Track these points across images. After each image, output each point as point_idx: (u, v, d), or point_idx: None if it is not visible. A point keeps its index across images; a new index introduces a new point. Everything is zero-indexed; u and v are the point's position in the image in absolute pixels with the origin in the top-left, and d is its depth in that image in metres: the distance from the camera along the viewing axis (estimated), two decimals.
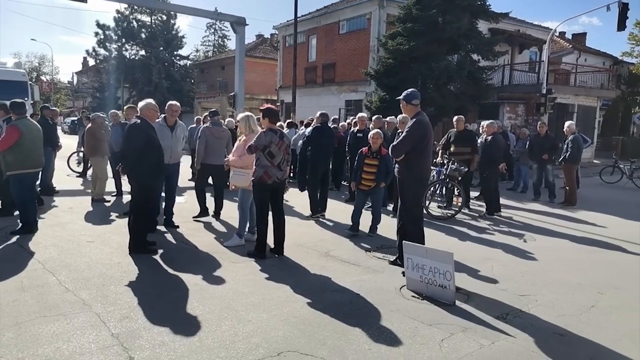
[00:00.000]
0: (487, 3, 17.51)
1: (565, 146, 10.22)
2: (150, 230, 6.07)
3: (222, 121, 8.63)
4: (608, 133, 27.10)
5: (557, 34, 27.79)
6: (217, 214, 7.77)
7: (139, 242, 5.63)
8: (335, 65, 24.31)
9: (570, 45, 31.44)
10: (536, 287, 4.88)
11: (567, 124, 10.63)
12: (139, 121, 5.69)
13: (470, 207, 9.38)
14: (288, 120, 14.48)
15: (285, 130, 10.73)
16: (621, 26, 16.40)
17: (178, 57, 38.11)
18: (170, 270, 5.07)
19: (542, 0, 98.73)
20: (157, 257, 5.54)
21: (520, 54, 24.38)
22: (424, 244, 4.98)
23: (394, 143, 5.18)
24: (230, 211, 7.70)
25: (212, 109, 8.29)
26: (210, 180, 7.86)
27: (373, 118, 9.52)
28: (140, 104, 5.88)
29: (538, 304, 4.40)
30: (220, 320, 3.81)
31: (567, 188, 10.29)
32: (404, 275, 4.99)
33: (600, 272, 5.55)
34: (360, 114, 10.14)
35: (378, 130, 7.41)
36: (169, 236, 6.54)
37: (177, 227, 6.97)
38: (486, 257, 6.00)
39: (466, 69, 17.10)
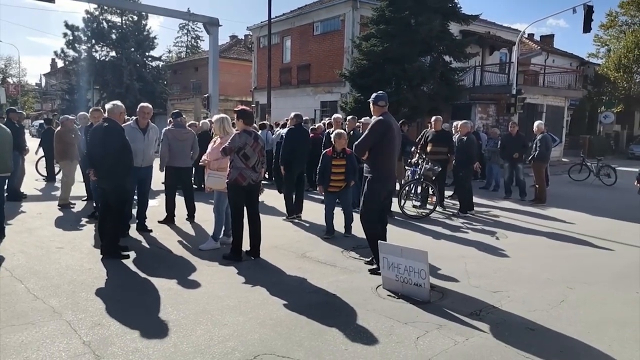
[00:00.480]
0: (458, 5, 17.83)
1: (534, 145, 10.48)
2: (122, 234, 5.95)
3: (186, 122, 8.52)
4: (576, 132, 27.90)
5: (525, 35, 28.48)
6: (190, 217, 7.67)
7: (111, 246, 5.53)
8: (310, 66, 24.34)
9: (539, 47, 32.30)
10: (508, 284, 4.98)
11: (536, 123, 10.91)
12: (107, 124, 5.57)
13: (445, 206, 9.52)
14: (260, 122, 14.43)
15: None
16: (587, 28, 16.91)
17: (150, 58, 37.40)
18: (144, 275, 4.98)
19: (511, 3, 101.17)
20: (129, 262, 5.44)
21: (490, 55, 24.88)
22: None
23: (357, 141, 5.30)
24: (206, 214, 7.63)
25: (175, 111, 8.15)
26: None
27: (347, 118, 9.56)
28: (108, 105, 5.75)
29: (510, 300, 4.49)
30: (195, 324, 3.77)
31: (537, 186, 10.55)
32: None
33: (570, 267, 5.70)
34: (335, 115, 10.17)
35: (339, 130, 7.39)
36: (142, 240, 6.42)
37: (151, 231, 6.85)
38: (460, 255, 6.10)
39: (439, 70, 17.38)
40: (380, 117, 5.17)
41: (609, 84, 32.77)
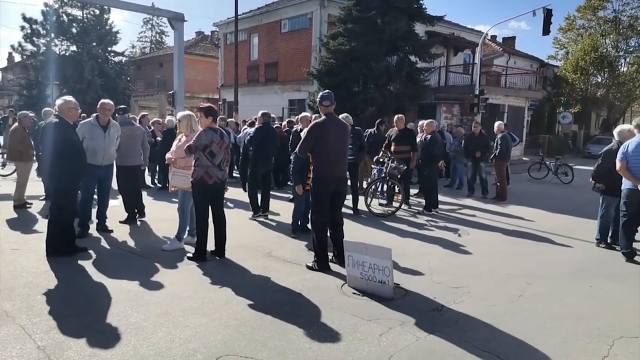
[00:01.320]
0: (424, 6, 18.11)
1: (495, 144, 10.78)
2: (70, 235, 5.71)
3: (135, 118, 8.31)
4: (536, 132, 28.82)
5: (488, 37, 29.23)
6: (140, 214, 7.49)
7: (53, 246, 5.38)
8: (277, 64, 24.23)
9: (501, 49, 33.20)
10: (469, 279, 5.10)
11: (496, 123, 11.24)
12: (56, 120, 5.40)
13: (410, 204, 9.66)
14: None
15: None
16: (546, 31, 17.50)
17: (112, 54, 36.34)
18: (103, 277, 4.83)
19: (474, 5, 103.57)
20: (89, 263, 5.27)
21: (455, 56, 25.40)
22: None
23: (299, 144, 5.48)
24: (169, 213, 7.47)
25: (121, 106, 7.89)
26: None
27: (314, 117, 9.55)
28: (58, 101, 5.56)
29: (471, 296, 4.60)
30: (156, 327, 3.69)
31: (498, 184, 10.85)
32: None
33: (528, 263, 5.89)
34: (303, 114, 10.17)
35: None
36: (102, 241, 6.23)
37: (111, 231, 6.67)
38: (424, 252, 6.20)
39: (405, 69, 17.60)
40: (317, 120, 5.41)
41: (567, 85, 34.02)
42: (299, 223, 7.04)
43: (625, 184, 5.99)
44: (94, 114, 6.76)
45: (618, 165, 6.02)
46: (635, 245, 6.36)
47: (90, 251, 5.66)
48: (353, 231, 7.00)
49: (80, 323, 3.71)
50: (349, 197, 8.80)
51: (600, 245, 6.72)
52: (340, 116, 8.69)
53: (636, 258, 6.03)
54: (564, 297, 4.67)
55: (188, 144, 5.45)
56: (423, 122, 10.08)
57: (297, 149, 5.48)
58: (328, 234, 5.45)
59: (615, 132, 6.81)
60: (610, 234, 6.71)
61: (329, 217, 5.41)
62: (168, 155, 6.02)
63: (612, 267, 5.81)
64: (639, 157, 5.83)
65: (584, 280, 5.21)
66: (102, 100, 6.81)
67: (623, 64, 35.96)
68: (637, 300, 4.63)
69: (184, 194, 5.96)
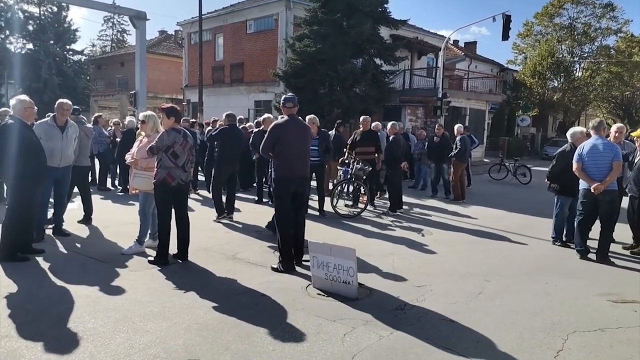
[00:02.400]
0: (388, 10, 18.39)
1: (454, 146, 11.05)
2: (27, 239, 5.50)
3: (84, 119, 8.07)
4: (496, 134, 29.68)
5: (451, 42, 29.92)
6: (86, 219, 7.28)
7: (7, 251, 5.18)
8: (243, 65, 24.04)
9: (463, 53, 34.04)
10: (431, 278, 5.20)
11: (456, 126, 11.55)
12: (11, 121, 5.19)
13: (375, 204, 9.77)
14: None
15: None
16: (505, 36, 18.06)
17: (71, 52, 35.24)
18: (60, 282, 4.66)
19: (437, 10, 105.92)
20: (44, 268, 5.07)
21: (419, 60, 25.89)
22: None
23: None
24: (130, 216, 7.29)
25: (74, 107, 7.65)
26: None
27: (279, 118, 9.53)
28: (12, 102, 5.36)
29: (433, 294, 4.69)
30: (115, 332, 3.59)
31: (453, 184, 11.08)
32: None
33: (488, 261, 6.05)
34: (266, 115, 10.11)
35: None
36: (59, 245, 6.01)
37: (69, 235, 6.44)
38: (388, 252, 6.28)
39: (370, 72, 17.82)
40: (278, 121, 5.56)
41: (526, 89, 35.23)
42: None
43: (582, 184, 6.21)
44: (51, 114, 6.52)
45: (574, 166, 6.25)
46: (589, 243, 6.65)
47: (47, 256, 5.45)
48: (319, 232, 7.01)
49: (34, 330, 3.57)
50: (315, 198, 8.85)
51: (556, 243, 6.98)
52: (307, 117, 8.76)
53: (590, 255, 6.28)
54: (521, 294, 4.83)
55: (150, 145, 5.34)
56: (388, 124, 10.22)
57: (259, 149, 5.50)
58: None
59: (568, 134, 7.09)
60: (565, 232, 6.97)
61: (295, 218, 5.45)
62: (128, 157, 5.86)
63: (567, 264, 6.04)
64: (593, 158, 6.07)
65: (541, 277, 5.40)
66: (60, 100, 6.58)
67: (578, 69, 37.66)
68: (590, 295, 4.84)
69: (145, 196, 5.82)
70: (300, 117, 5.68)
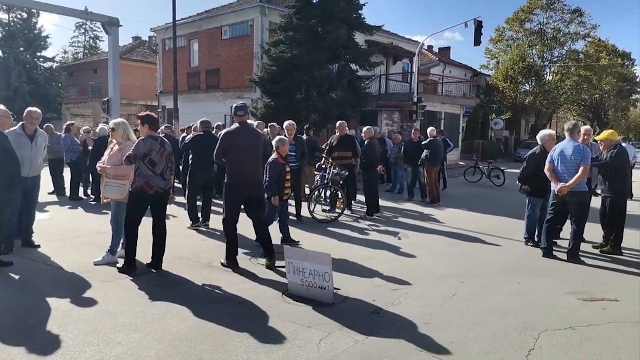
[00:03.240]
0: (363, 16, 18.55)
1: (425, 148, 11.18)
2: (1, 250, 5.39)
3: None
4: (471, 137, 30.19)
5: (425, 47, 30.38)
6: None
7: None
8: (219, 71, 23.89)
9: (437, 58, 34.58)
10: (408, 281, 5.24)
11: (428, 130, 11.67)
12: None
13: (353, 209, 9.80)
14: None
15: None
16: (477, 42, 18.44)
17: (42, 59, 34.46)
18: (29, 295, 4.54)
19: (411, 16, 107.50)
20: (12, 281, 4.93)
21: (394, 65, 26.18)
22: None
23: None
24: (102, 226, 7.14)
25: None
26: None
27: (255, 124, 9.50)
28: None
29: (409, 297, 4.73)
30: (85, 345, 3.50)
31: (428, 188, 11.20)
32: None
33: (462, 263, 6.14)
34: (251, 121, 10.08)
35: (282, 137, 7.18)
36: (28, 257, 5.84)
37: (38, 246, 6.27)
38: (365, 256, 6.30)
39: (346, 77, 17.91)
40: (229, 128, 5.81)
41: (499, 93, 35.99)
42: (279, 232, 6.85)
43: (554, 185, 6.37)
44: (20, 123, 6.36)
45: (546, 167, 6.41)
46: (562, 243, 6.82)
47: (15, 268, 5.30)
48: (296, 238, 6.99)
49: (3, 345, 3.45)
50: (292, 203, 8.82)
51: (528, 244, 7.12)
52: (285, 123, 8.78)
53: (561, 255, 6.42)
54: (495, 295, 4.91)
55: (127, 154, 5.27)
56: (363, 129, 10.29)
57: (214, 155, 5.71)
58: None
59: (538, 137, 7.26)
60: (537, 233, 7.12)
61: (253, 224, 5.81)
62: (99, 165, 5.75)
63: (539, 264, 6.17)
64: (564, 161, 6.22)
65: (514, 278, 5.49)
66: (29, 109, 6.45)
67: (548, 73, 38.62)
68: (561, 295, 4.94)
69: (118, 205, 5.71)
70: (251, 123, 5.91)
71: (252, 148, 5.63)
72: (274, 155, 6.60)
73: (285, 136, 8.65)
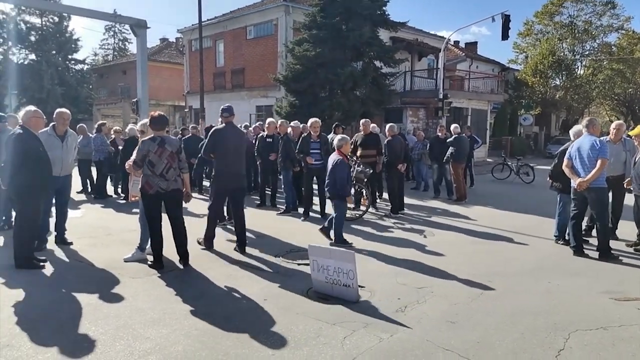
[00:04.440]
0: (387, 13, 18.39)
1: (450, 146, 11.02)
2: (38, 248, 5.60)
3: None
4: (499, 134, 29.64)
5: (451, 42, 29.91)
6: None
7: (20, 258, 5.29)
8: (244, 70, 24.12)
9: (464, 54, 34.00)
10: (433, 279, 5.18)
11: (452, 126, 11.48)
12: (20, 131, 5.28)
13: (377, 207, 9.74)
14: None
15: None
16: (505, 36, 18.04)
17: (73, 62, 35.39)
18: (61, 291, 4.69)
19: (436, 11, 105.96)
20: (46, 277, 5.11)
21: (419, 61, 25.87)
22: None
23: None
24: (131, 224, 7.30)
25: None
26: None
27: (268, 121, 9.69)
28: (21, 112, 5.46)
29: (434, 295, 4.67)
30: (115, 339, 3.59)
31: (457, 184, 11.05)
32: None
33: (490, 262, 6.03)
34: (269, 119, 10.16)
35: (344, 135, 7.33)
36: (60, 254, 6.03)
37: (71, 243, 6.46)
38: (390, 254, 6.26)
39: (370, 75, 17.82)
40: (217, 127, 6.49)
41: (528, 88, 35.15)
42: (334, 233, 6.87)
43: (573, 182, 6.23)
44: (51, 124, 6.57)
45: (564, 163, 6.31)
46: (593, 241, 6.62)
47: (48, 264, 5.48)
48: (320, 235, 7.00)
49: (36, 338, 3.58)
50: (316, 201, 8.85)
51: (559, 242, 6.94)
52: (310, 121, 8.79)
53: (594, 254, 6.24)
54: (523, 294, 4.80)
55: (133, 159, 5.39)
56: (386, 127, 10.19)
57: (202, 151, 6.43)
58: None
59: (571, 132, 7.05)
60: (567, 231, 6.93)
61: (233, 212, 6.48)
62: (128, 163, 5.88)
63: (570, 263, 6.01)
64: (581, 156, 6.10)
65: (543, 277, 5.37)
66: (59, 110, 6.65)
67: (579, 67, 37.51)
68: (593, 294, 4.81)
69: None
70: (236, 124, 6.54)
71: (237, 145, 6.33)
72: (338, 155, 6.74)
73: (310, 134, 8.68)
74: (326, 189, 6.91)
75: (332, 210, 7.75)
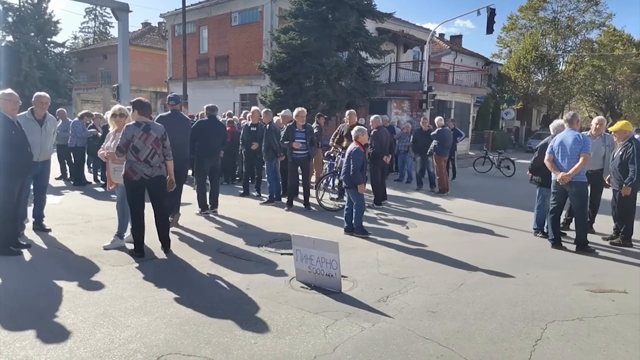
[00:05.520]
0: (373, 3, 18.33)
1: (433, 139, 11.10)
2: (12, 234, 5.45)
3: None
4: (481, 127, 29.94)
5: (436, 35, 29.98)
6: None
7: (1, 244, 5.18)
8: (228, 57, 23.83)
9: (448, 47, 34.17)
10: (415, 270, 5.24)
11: (436, 119, 11.57)
12: None
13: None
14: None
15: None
16: (489, 30, 18.17)
17: (52, 45, 34.60)
18: (40, 278, 4.61)
19: (422, 3, 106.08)
20: (23, 264, 5.01)
21: (404, 53, 25.91)
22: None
23: None
24: (112, 210, 7.20)
25: None
26: None
27: (262, 112, 9.52)
28: None
29: (415, 285, 4.73)
30: (95, 327, 3.55)
31: (440, 177, 11.16)
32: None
33: (470, 253, 6.10)
34: (253, 108, 10.06)
35: (361, 127, 7.43)
36: (38, 241, 5.91)
37: (49, 230, 6.34)
38: (372, 245, 6.31)
39: (355, 65, 17.77)
40: (162, 114, 7.02)
41: (510, 82, 35.52)
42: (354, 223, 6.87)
43: (554, 175, 6.35)
44: (29, 108, 6.40)
45: (546, 157, 6.42)
46: (570, 234, 6.76)
47: (26, 251, 5.38)
48: (303, 225, 7.01)
49: (12, 326, 3.51)
50: (301, 190, 8.83)
51: (537, 234, 7.07)
52: (296, 110, 8.72)
53: (567, 245, 6.38)
54: (503, 285, 4.89)
55: (117, 145, 5.29)
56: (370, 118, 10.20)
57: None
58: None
59: (551, 126, 7.16)
60: (546, 224, 7.06)
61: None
62: (101, 151, 5.72)
63: (548, 255, 6.13)
64: (563, 151, 6.22)
65: (522, 268, 5.47)
66: (38, 93, 6.48)
67: (561, 63, 38.03)
68: (570, 285, 4.91)
69: (123, 189, 5.71)
70: (183, 112, 6.94)
71: (180, 130, 6.77)
72: (355, 145, 6.79)
73: (295, 123, 8.62)
74: (342, 178, 7.04)
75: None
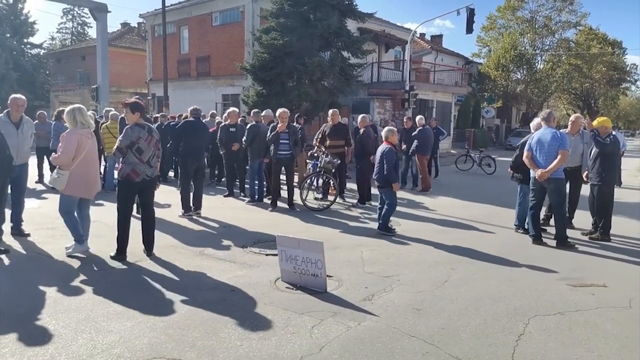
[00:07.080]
0: (354, 3, 18.36)
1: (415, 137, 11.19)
2: None
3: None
4: (462, 126, 30.28)
5: (417, 35, 30.26)
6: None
7: None
8: (210, 58, 23.64)
9: (429, 46, 34.44)
10: (399, 268, 5.27)
11: (417, 118, 11.69)
12: None
13: (345, 197, 9.80)
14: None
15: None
16: (469, 29, 18.38)
17: (29, 46, 33.86)
18: (18, 283, 4.50)
19: (402, 3, 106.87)
20: (2, 268, 4.89)
21: (386, 53, 26.05)
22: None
23: None
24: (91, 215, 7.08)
25: None
26: None
27: (252, 112, 9.51)
28: None
29: (400, 283, 4.76)
30: (77, 333, 3.49)
31: (423, 175, 11.25)
32: None
33: (454, 250, 6.17)
34: (231, 108, 10.00)
35: (392, 127, 7.48)
36: (17, 246, 5.78)
37: (28, 235, 6.20)
38: (357, 244, 6.32)
39: (338, 65, 17.76)
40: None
41: (490, 81, 36.00)
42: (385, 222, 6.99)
43: (532, 172, 6.46)
44: (5, 110, 6.26)
45: (524, 154, 6.54)
46: (551, 230, 6.87)
47: (4, 256, 5.25)
48: (288, 225, 7.00)
49: None
50: (285, 189, 8.81)
51: (519, 231, 7.18)
52: (279, 110, 8.70)
53: (548, 241, 6.50)
54: (486, 281, 4.95)
55: (117, 146, 5.23)
56: (358, 117, 10.23)
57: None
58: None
59: (532, 124, 7.27)
60: (527, 220, 7.17)
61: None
62: (54, 155, 5.40)
63: (529, 251, 6.22)
64: (541, 148, 6.34)
65: (504, 264, 5.55)
66: (14, 95, 6.35)
67: (539, 62, 38.66)
68: (550, 281, 5.00)
69: (61, 196, 5.44)
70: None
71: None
72: (387, 145, 6.91)
73: (277, 123, 8.60)
74: (375, 177, 7.09)
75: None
